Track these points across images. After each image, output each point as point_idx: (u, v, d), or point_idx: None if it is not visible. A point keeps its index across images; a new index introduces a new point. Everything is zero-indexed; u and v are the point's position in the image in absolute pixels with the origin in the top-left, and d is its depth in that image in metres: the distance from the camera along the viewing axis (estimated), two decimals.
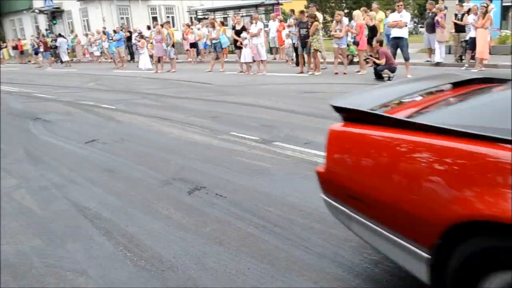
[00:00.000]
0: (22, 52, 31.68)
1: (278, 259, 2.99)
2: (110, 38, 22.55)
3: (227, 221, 3.63)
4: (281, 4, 32.70)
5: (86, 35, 28.57)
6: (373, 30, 14.37)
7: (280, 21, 18.24)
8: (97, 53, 25.59)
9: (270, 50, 19.17)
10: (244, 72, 14.30)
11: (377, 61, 11.04)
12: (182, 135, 6.55)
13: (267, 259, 3.00)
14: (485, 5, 12.71)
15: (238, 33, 14.89)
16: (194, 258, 3.10)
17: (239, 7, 27.49)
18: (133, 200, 4.23)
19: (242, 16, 18.74)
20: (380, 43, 11.68)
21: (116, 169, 5.19)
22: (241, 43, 14.51)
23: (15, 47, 32.49)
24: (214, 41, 16.07)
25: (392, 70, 11.04)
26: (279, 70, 14.34)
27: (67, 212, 4.06)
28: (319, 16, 15.13)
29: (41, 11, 34.18)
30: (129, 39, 22.15)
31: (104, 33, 24.56)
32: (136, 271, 3.00)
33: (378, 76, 11.20)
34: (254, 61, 14.38)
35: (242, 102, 8.97)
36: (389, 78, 10.97)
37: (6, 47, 35.22)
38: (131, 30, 23.04)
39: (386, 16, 15.52)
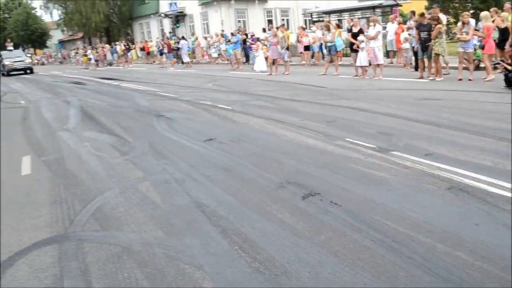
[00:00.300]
0: (148, 53, 34.37)
1: (396, 278, 2.83)
2: (228, 40, 23.46)
3: (342, 231, 3.53)
4: (400, 6, 31.39)
5: (206, 37, 30.09)
6: (504, 33, 13.12)
7: (399, 23, 17.47)
8: (215, 55, 26.79)
9: (387, 54, 18.46)
10: (359, 76, 13.94)
11: (510, 67, 10.04)
12: (296, 138, 6.56)
13: (385, 276, 2.85)
14: None
15: (355, 35, 14.55)
16: (308, 266, 3.06)
17: (355, 9, 26.89)
18: (248, 201, 4.31)
19: (359, 18, 18.29)
20: None
21: (233, 168, 5.35)
22: (357, 46, 14.17)
23: (142, 49, 35.37)
24: (329, 44, 15.91)
25: None
26: (396, 75, 13.75)
27: (187, 207, 4.27)
28: (443, 18, 14.22)
29: (166, 15, 36.73)
30: (245, 41, 22.85)
31: (222, 35, 25.65)
32: (250, 272, 3.04)
33: (510, 84, 10.17)
34: (370, 64, 13.96)
35: (357, 107, 8.74)
36: None
37: (134, 48, 38.49)
38: (247, 33, 23.75)
39: None
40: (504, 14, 14.10)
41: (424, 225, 3.51)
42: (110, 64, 34.61)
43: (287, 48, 17.44)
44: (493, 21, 13.91)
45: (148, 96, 12.75)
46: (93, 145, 7.12)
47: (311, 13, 30.36)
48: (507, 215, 3.60)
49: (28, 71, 32.30)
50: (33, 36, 59.67)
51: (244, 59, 22.67)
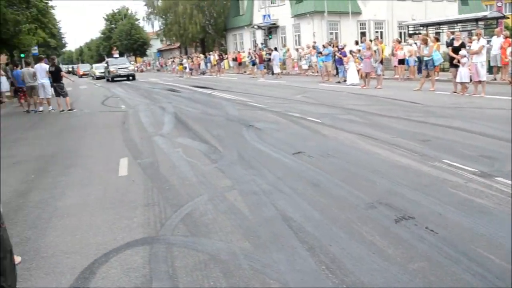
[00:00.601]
0: (240, 64, 35.26)
1: None
2: (319, 52, 23.35)
3: (438, 261, 3.28)
4: (507, 18, 29.22)
5: (297, 49, 30.23)
6: None
7: (506, 37, 16.22)
8: (305, 67, 26.79)
9: (490, 70, 17.22)
10: (458, 93, 13.13)
11: None
12: (388, 157, 6.28)
13: None
14: None
15: (455, 49, 13.73)
16: None
17: (456, 22, 25.48)
18: (337, 219, 4.18)
19: (460, 31, 17.26)
20: None
21: (321, 184, 5.24)
22: (458, 61, 13.35)
23: (234, 59, 36.38)
24: (426, 58, 15.18)
25: None
26: (500, 93, 12.74)
27: (274, 220, 4.23)
28: None
29: (259, 27, 37.49)
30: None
31: (313, 47, 25.60)
32: None
33: None
34: (470, 81, 13.08)
35: (455, 126, 8.19)
36: None
37: (227, 58, 39.73)
38: (339, 45, 23.43)
39: None
40: None
41: None
42: (203, 73, 36.01)
43: (381, 62, 16.95)
44: None
45: (238, 106, 13.01)
46: (185, 151, 7.38)
47: (407, 26, 29.32)
48: None
49: (131, 77, 33.79)
50: (135, 45, 64.15)
51: (334, 72, 22.39)
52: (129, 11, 72.26)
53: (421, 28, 27.09)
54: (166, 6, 49.63)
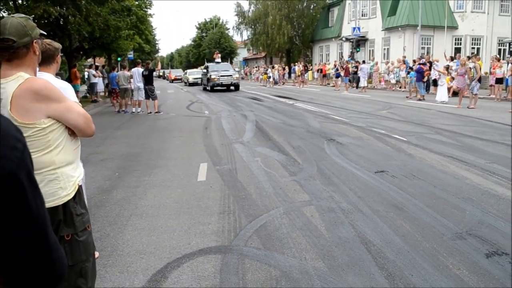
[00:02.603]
0: (324, 75, 34.97)
1: None
2: (410, 67, 22.47)
3: None
4: None
5: (387, 63, 29.36)
6: None
7: None
8: (393, 81, 25.91)
9: None
10: None
11: None
12: (481, 183, 5.77)
13: None
14: None
15: None
16: None
17: None
18: (420, 247, 3.87)
19: None
20: None
21: (404, 207, 4.92)
22: None
23: (319, 70, 36.15)
24: None
25: None
26: None
27: (351, 241, 4.02)
28: None
29: (347, 39, 36.96)
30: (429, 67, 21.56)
31: (403, 62, 24.69)
32: None
33: None
34: None
35: None
36: None
37: (311, 69, 39.60)
38: (431, 60, 22.36)
39: None
40: None
41: None
42: (285, 83, 36.22)
43: (479, 80, 15.88)
44: None
45: (320, 118, 12.81)
46: (264, 161, 7.35)
47: (509, 43, 27.39)
48: None
49: (232, 87, 28.59)
50: (223, 53, 66.19)
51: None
52: (220, 20, 74.84)
53: None
54: (256, 16, 50.70)
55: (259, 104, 18.17)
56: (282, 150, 8.18)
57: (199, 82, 36.68)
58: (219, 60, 31.95)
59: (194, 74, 41.91)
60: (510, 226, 3.89)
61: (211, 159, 7.61)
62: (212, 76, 27.94)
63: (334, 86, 29.67)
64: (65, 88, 2.66)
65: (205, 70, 31.04)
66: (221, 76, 27.95)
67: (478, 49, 34.04)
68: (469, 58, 18.55)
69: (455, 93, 17.48)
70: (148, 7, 31.03)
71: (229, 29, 70.60)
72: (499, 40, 33.21)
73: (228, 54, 67.76)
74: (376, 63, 30.05)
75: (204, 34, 74.76)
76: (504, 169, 6.46)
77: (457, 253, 3.76)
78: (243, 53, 70.37)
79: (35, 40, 2.12)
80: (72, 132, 2.23)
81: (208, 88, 28.53)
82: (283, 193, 5.52)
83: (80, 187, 2.31)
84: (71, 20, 17.31)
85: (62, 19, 17.65)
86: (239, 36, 57.85)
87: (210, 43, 66.42)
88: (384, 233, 4.19)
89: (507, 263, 3.55)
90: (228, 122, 12.52)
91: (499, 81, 18.36)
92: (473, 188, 5.58)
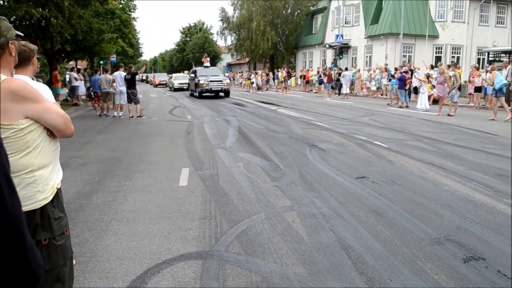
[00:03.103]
0: (307, 82, 35.20)
1: None
2: (391, 75, 22.78)
3: None
4: None
5: (368, 70, 29.72)
6: None
7: None
8: (374, 88, 26.21)
9: None
10: None
11: None
12: (459, 190, 5.87)
13: None
14: None
15: None
16: None
17: None
18: (399, 252, 3.92)
19: None
20: None
21: (384, 212, 4.97)
22: None
23: (302, 77, 36.40)
24: (493, 86, 14.32)
25: None
26: None
27: (332, 246, 4.05)
28: None
29: (330, 46, 37.31)
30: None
31: (385, 69, 25.02)
32: None
33: None
34: None
35: None
36: None
37: (294, 75, 39.82)
38: (413, 68, 22.72)
39: None
40: None
41: None
42: (268, 89, 36.33)
43: (459, 88, 16.17)
44: None
45: (302, 124, 12.88)
46: (246, 166, 7.35)
47: (487, 52, 28.00)
48: None
49: (222, 94, 26.82)
50: None
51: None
52: (205, 25, 74.81)
53: (503, 55, 25.76)
54: (240, 22, 50.82)
55: (242, 110, 18.18)
56: (265, 156, 8.19)
57: (185, 87, 35.25)
58: (208, 64, 30.00)
59: (179, 78, 40.23)
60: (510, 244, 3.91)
61: (193, 164, 7.58)
62: (201, 82, 25.90)
63: (317, 92, 29.88)
64: (42, 91, 2.63)
65: (192, 75, 28.69)
66: (211, 81, 25.97)
67: (458, 58, 34.68)
68: (449, 66, 18.87)
69: (435, 101, 17.76)
70: (132, 10, 30.80)
71: (213, 34, 70.65)
72: (479, 50, 33.92)
73: (212, 59, 67.67)
74: (359, 70, 30.39)
75: (188, 39, 74.66)
76: (482, 176, 6.58)
77: (435, 258, 3.81)
78: (227, 58, 70.42)
79: (10, 41, 2.10)
80: (51, 133, 2.20)
81: (196, 94, 26.71)
82: (265, 199, 5.52)
83: (58, 190, 2.28)
84: (53, 22, 17.09)
85: (44, 21, 17.42)
86: (223, 41, 57.83)
87: (194, 48, 66.32)
88: (364, 239, 4.22)
89: (484, 268, 3.61)
90: (210, 127, 12.50)
91: (477, 89, 18.73)
92: (451, 194, 5.67)
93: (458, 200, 5.43)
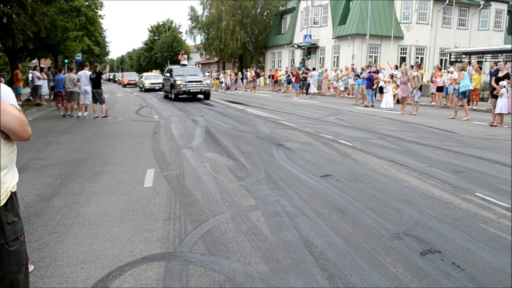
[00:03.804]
0: (276, 81, 35.38)
1: None
2: (357, 75, 23.18)
3: None
4: None
5: (335, 70, 30.13)
6: None
7: None
8: (342, 88, 26.60)
9: None
10: (496, 125, 12.68)
11: None
12: (419, 186, 6.06)
13: None
14: None
15: (498, 80, 13.34)
16: None
17: (500, 52, 24.87)
18: (360, 248, 4.01)
19: (505, 62, 16.69)
20: None
21: (347, 209, 5.08)
22: (497, 92, 12.95)
23: (270, 76, 36.57)
24: (458, 86, 14.83)
25: None
26: None
27: (295, 244, 4.11)
28: None
29: (299, 46, 37.63)
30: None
31: (352, 69, 25.43)
32: None
33: None
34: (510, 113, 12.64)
35: (491, 159, 7.88)
36: None
37: (263, 75, 39.96)
38: (378, 68, 23.19)
39: None
40: None
41: None
42: (237, 89, 36.33)
43: (420, 88, 16.63)
44: None
45: (270, 124, 12.96)
46: (212, 166, 7.35)
47: (449, 53, 28.84)
48: None
49: (202, 96, 24.31)
50: (175, 57, 65.73)
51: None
52: (173, 24, 74.12)
53: (464, 56, 26.57)
54: (210, 21, 50.56)
55: (210, 110, 18.14)
56: (231, 156, 8.21)
57: (157, 87, 33.61)
58: (186, 62, 27.13)
59: (151, 78, 37.35)
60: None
61: (159, 165, 7.52)
62: (178, 82, 22.95)
63: (285, 92, 30.09)
64: (2, 91, 2.58)
65: (168, 74, 25.51)
66: (189, 82, 23.03)
67: (422, 58, 35.57)
68: (412, 67, 19.36)
69: (399, 100, 18.20)
70: (99, 8, 30.17)
71: (182, 33, 70.12)
72: (441, 51, 34.90)
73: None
74: (326, 70, 30.77)
75: (156, 38, 73.81)
76: (441, 172, 6.80)
77: (394, 252, 3.92)
78: (196, 58, 70.00)
79: None
80: (6, 136, 2.15)
81: (172, 96, 23.70)
82: (230, 198, 5.55)
83: (13, 194, 2.24)
84: (15, 19, 16.58)
85: (5, 18, 16.88)
86: (192, 40, 57.41)
87: (162, 47, 65.61)
88: (326, 235, 4.30)
89: (439, 260, 3.75)
90: (177, 127, 12.42)
91: (439, 89, 19.31)
92: (411, 191, 5.84)
93: (417, 196, 5.60)
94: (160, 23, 75.65)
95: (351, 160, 7.77)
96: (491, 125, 12.81)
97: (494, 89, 13.23)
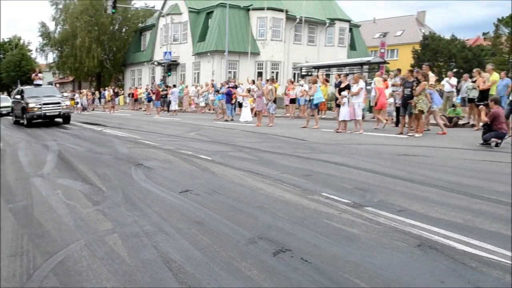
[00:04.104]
0: (136, 100, 34.67)
1: None
2: (217, 90, 23.84)
3: None
4: (387, 63, 32.48)
5: (196, 86, 30.59)
6: (483, 93, 13.75)
7: (384, 80, 17.97)
8: (202, 104, 27.08)
9: (370, 109, 18.84)
10: (341, 131, 14.13)
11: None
12: (273, 192, 6.48)
13: None
14: None
15: (340, 90, 14.90)
16: None
17: (344, 65, 27.73)
18: (218, 257, 4.17)
19: (346, 74, 18.67)
20: (495, 101, 10.92)
21: (205, 222, 5.22)
22: (339, 101, 14.49)
23: (130, 95, 35.74)
24: (310, 98, 16.28)
25: (500, 136, 10.27)
26: (377, 130, 13.95)
27: (154, 263, 4.10)
28: (431, 76, 14.67)
29: (159, 63, 37.42)
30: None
31: (212, 85, 26.07)
32: None
33: (486, 142, 10.46)
34: (352, 119, 14.21)
35: (335, 161, 8.77)
36: (497, 145, 10.22)
37: (123, 94, 38.83)
38: (237, 83, 24.14)
39: (501, 78, 14.63)
40: (485, 75, 14.66)
41: (393, 284, 3.47)
42: (94, 109, 34.76)
43: (274, 101, 17.74)
44: (474, 81, 14.48)
45: (129, 144, 12.67)
46: (65, 193, 6.94)
47: (300, 67, 31.25)
48: (472, 272, 3.65)
49: (61, 119, 21.30)
50: (24, 77, 60.25)
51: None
52: (21, 41, 68.07)
53: (313, 70, 29.00)
54: (63, 38, 47.62)
55: (64, 133, 17.05)
56: (86, 180, 7.85)
57: (5, 112, 29.01)
58: (41, 81, 24.31)
59: (7, 101, 30.56)
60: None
61: (3, 198, 6.87)
62: (31, 105, 19.60)
63: (145, 110, 29.61)
64: None
65: (18, 97, 21.96)
66: (45, 104, 19.80)
67: (277, 73, 37.99)
68: (268, 81, 20.57)
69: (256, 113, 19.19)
70: None
71: (32, 50, 64.75)
72: (294, 65, 37.72)
73: (30, 78, 61.96)
74: (186, 87, 31.07)
75: (1, 56, 66.93)
76: (292, 177, 7.36)
77: (249, 256, 4.15)
78: (48, 77, 65.12)
79: None
80: None
81: (24, 121, 20.11)
82: (85, 225, 5.32)
83: None
84: None
85: None
86: (44, 58, 53.41)
87: (8, 66, 59.71)
88: (185, 250, 4.38)
89: (289, 257, 4.06)
90: (26, 154, 11.44)
91: (292, 101, 20.83)
92: (265, 197, 6.23)
93: (271, 201, 5.99)
94: (6, 40, 68.83)
95: (210, 174, 7.98)
96: (337, 132, 14.22)
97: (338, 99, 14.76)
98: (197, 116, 24.01)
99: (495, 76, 14.70)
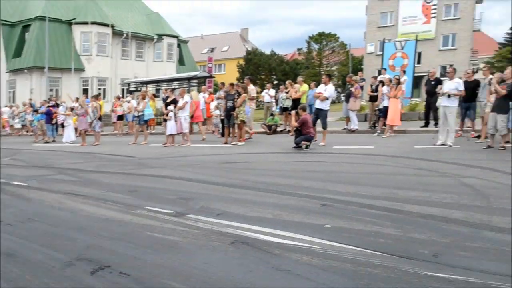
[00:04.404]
0: None
1: None
2: (35, 110, 21.99)
3: None
4: (214, 77, 33.96)
5: (11, 106, 27.74)
6: (296, 102, 15.40)
7: (210, 93, 18.84)
8: (18, 126, 24.71)
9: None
10: (169, 144, 14.37)
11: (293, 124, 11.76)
12: (95, 212, 6.33)
13: None
14: (398, 77, 14.13)
15: (167, 105, 15.14)
16: None
17: (173, 80, 28.07)
18: (30, 286, 3.96)
19: (174, 89, 19.02)
20: (303, 109, 12.35)
21: (16, 253, 4.86)
22: (166, 115, 14.73)
23: None
24: (139, 114, 16.20)
25: (308, 139, 11.69)
26: (204, 141, 14.54)
27: None
28: (252, 88, 15.86)
29: None
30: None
31: (30, 105, 23.95)
32: None
33: (298, 145, 11.79)
34: (180, 133, 14.57)
35: (162, 174, 8.94)
36: (307, 147, 11.59)
37: None
38: (59, 102, 22.62)
39: (310, 88, 16.56)
40: (296, 85, 16.54)
41: (206, 279, 3.75)
42: None
43: (99, 119, 17.14)
44: (287, 92, 16.12)
45: None
46: None
47: (128, 83, 30.61)
48: (276, 258, 4.14)
49: None
50: None
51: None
52: None
53: (142, 85, 28.70)
54: None
55: None
56: None
57: None
58: None
59: None
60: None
61: None
62: None
63: None
64: None
65: None
66: None
67: (104, 89, 36.59)
68: (92, 98, 19.76)
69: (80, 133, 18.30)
70: None
71: None
72: (122, 81, 36.83)
73: None
74: None
75: None
76: (116, 195, 7.28)
77: (65, 279, 4.02)
78: None
79: None
80: None
81: None
82: None
83: None
84: None
85: None
86: None
87: None
88: None
89: (108, 273, 4.04)
90: None
91: (120, 117, 20.35)
92: (86, 218, 6.05)
93: (92, 222, 5.85)
94: None
95: (24, 201, 7.40)
96: (165, 146, 14.40)
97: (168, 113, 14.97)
98: (12, 140, 21.77)
99: (305, 87, 16.71)
